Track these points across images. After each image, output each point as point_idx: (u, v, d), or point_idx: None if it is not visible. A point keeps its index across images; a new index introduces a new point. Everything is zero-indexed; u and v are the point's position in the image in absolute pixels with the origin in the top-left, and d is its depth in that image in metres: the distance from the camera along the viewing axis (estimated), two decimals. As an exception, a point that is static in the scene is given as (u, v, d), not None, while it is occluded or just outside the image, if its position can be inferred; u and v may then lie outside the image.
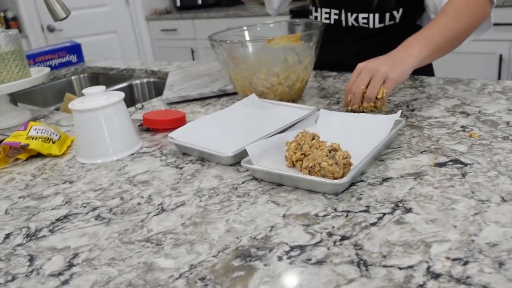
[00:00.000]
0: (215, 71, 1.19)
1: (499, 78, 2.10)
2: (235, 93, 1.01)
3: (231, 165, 0.65)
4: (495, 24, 2.11)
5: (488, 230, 0.43)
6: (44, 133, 0.80)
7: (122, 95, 0.75)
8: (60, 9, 1.13)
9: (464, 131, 0.67)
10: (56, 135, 0.82)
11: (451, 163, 0.58)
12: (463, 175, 0.54)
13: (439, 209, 0.48)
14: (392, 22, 1.02)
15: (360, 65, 0.75)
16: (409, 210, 0.48)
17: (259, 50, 0.82)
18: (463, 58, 2.16)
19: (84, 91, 0.74)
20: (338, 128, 0.70)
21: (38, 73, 1.03)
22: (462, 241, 0.42)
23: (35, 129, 0.80)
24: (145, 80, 1.43)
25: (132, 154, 0.74)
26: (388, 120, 0.67)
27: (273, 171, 0.57)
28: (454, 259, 0.40)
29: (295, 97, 0.90)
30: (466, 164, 0.57)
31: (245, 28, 1.01)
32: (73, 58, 1.71)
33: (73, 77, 1.65)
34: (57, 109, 1.24)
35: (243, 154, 0.63)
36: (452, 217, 0.46)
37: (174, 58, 3.54)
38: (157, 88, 1.41)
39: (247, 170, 0.62)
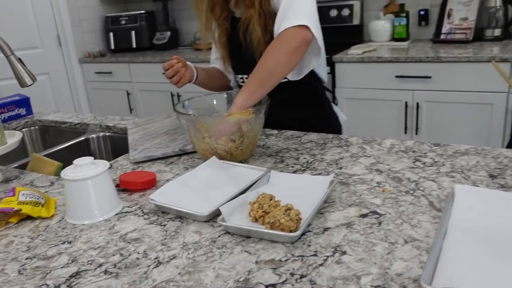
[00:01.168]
0: (171, 129, 1.35)
1: (405, 121, 2.46)
2: (194, 152, 1.18)
3: (206, 221, 0.82)
4: (400, 77, 2.49)
5: (396, 264, 0.64)
6: (32, 197, 0.91)
7: (107, 164, 0.90)
8: (27, 77, 1.24)
9: (379, 186, 0.90)
10: (42, 198, 0.93)
11: (371, 214, 0.79)
12: (379, 223, 0.76)
13: (364, 251, 0.68)
14: (286, 80, 1.26)
15: None
16: (344, 253, 0.68)
17: (220, 122, 1.01)
18: (375, 104, 2.51)
19: (75, 161, 0.87)
20: (286, 186, 0.89)
21: (12, 138, 1.12)
22: (380, 273, 0.63)
23: (23, 194, 0.91)
24: (100, 134, 1.55)
25: (117, 214, 0.88)
26: (324, 180, 0.88)
27: (243, 227, 0.75)
28: (375, 287, 0.60)
29: (247, 157, 1.09)
30: (381, 215, 0.79)
31: (202, 95, 1.20)
32: (22, 111, 1.78)
33: (24, 130, 1.71)
34: (20, 167, 1.32)
35: (215, 212, 0.80)
36: (373, 256, 0.67)
37: (110, 100, 3.61)
38: (113, 142, 1.53)
39: (220, 225, 0.79)
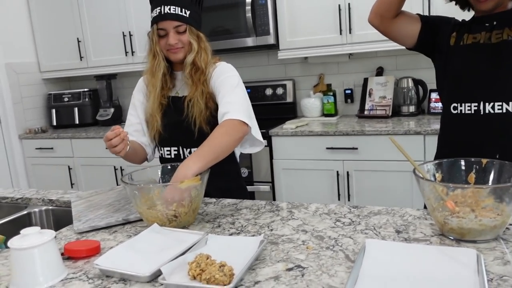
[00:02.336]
0: (115, 201, 1.42)
1: (338, 188, 2.65)
2: (137, 221, 1.25)
3: (148, 282, 0.89)
4: (330, 148, 2.70)
5: (314, 307, 0.75)
6: (-24, 268, 0.94)
7: (53, 233, 0.96)
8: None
9: (303, 244, 1.02)
10: (-14, 269, 0.96)
11: (295, 267, 0.90)
12: (302, 275, 0.87)
13: (288, 298, 0.79)
14: None
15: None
16: (271, 301, 0.78)
17: (172, 190, 1.12)
18: (310, 174, 2.70)
19: (22, 231, 0.93)
20: (222, 247, 0.99)
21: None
22: (301, 315, 0.73)
23: (-33, 266, 0.94)
24: (43, 208, 1.58)
25: (62, 280, 0.93)
26: (255, 240, 0.99)
27: (183, 283, 0.83)
28: (296, 326, 0.70)
29: (192, 221, 1.19)
30: (304, 268, 0.90)
31: (148, 168, 1.31)
32: (-40, 187, 1.77)
33: (-40, 207, 1.70)
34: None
35: (157, 272, 0.88)
36: (296, 302, 0.77)
37: (50, 175, 3.57)
38: (56, 216, 1.56)
39: (162, 285, 0.87)
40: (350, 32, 2.78)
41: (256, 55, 3.37)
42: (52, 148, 3.52)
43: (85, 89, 3.81)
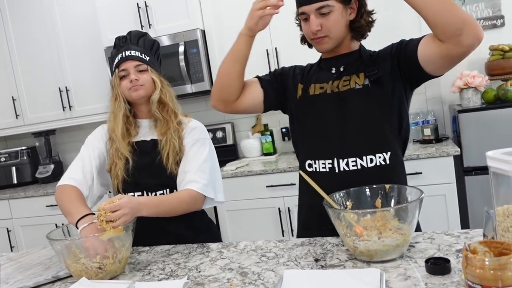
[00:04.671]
0: (46, 259, 1.41)
1: (281, 224, 2.72)
2: (67, 277, 1.25)
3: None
4: (270, 186, 2.75)
5: None
6: None
7: (-27, 298, 0.95)
8: None
9: (228, 282, 1.06)
10: None
11: (217, 305, 0.95)
12: (223, 311, 0.91)
13: (207, 335, 0.83)
14: None
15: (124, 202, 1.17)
16: None
17: (94, 241, 1.13)
18: (252, 213, 2.76)
19: None
20: (149, 294, 1.02)
21: None
22: None
23: None
24: (-29, 275, 1.53)
25: None
26: (179, 283, 1.03)
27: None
28: None
29: (120, 271, 1.20)
30: (225, 304, 0.94)
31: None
32: None
33: None
34: None
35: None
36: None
37: (-13, 240, 3.41)
38: (-15, 281, 1.51)
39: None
40: (279, 74, 2.93)
41: (194, 101, 3.46)
42: (-12, 212, 3.38)
43: (23, 147, 3.73)
